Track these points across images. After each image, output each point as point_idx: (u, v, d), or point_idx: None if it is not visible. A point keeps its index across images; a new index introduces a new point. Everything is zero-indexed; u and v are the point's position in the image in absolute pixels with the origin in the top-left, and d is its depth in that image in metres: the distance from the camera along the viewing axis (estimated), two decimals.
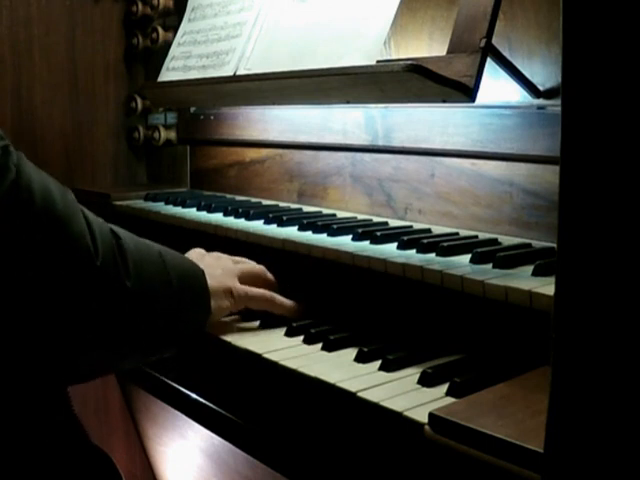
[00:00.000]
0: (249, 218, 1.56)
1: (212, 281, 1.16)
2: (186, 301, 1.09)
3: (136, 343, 1.02)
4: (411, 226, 1.43)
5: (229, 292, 1.19)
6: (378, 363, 1.03)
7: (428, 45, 1.46)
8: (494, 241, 1.27)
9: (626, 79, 0.62)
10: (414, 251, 1.22)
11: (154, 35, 2.06)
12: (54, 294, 0.85)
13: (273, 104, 1.65)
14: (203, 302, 1.14)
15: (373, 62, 1.22)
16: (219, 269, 1.23)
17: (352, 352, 1.08)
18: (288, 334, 1.19)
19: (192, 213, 1.70)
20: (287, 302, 1.25)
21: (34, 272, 0.84)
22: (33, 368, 0.89)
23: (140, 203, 1.91)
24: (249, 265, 1.30)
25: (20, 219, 0.83)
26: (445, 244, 1.20)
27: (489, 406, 0.84)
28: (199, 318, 1.14)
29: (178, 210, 1.76)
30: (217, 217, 1.63)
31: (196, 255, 1.28)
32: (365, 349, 1.07)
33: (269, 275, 1.30)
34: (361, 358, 1.06)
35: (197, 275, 1.14)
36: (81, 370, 0.97)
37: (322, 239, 1.34)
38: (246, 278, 1.25)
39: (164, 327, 1.05)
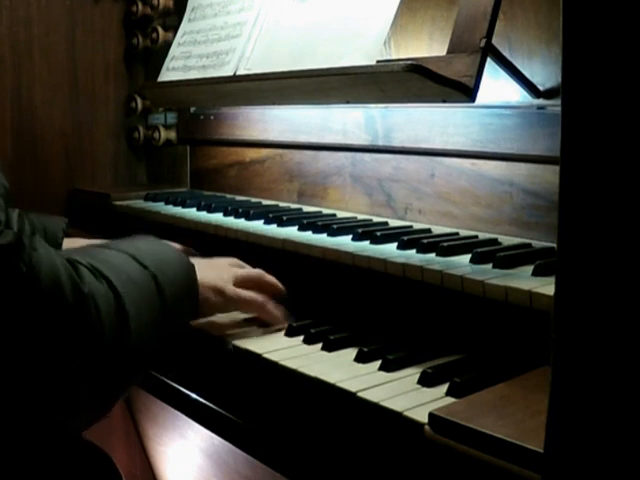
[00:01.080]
0: (249, 218, 1.56)
1: (203, 279, 1.17)
2: (179, 313, 1.11)
3: (136, 372, 1.05)
4: (411, 226, 1.43)
5: (220, 292, 1.19)
6: (378, 363, 1.03)
7: (428, 45, 1.46)
8: (494, 241, 1.27)
9: (626, 79, 0.62)
10: (414, 251, 1.22)
11: (154, 35, 2.06)
12: (63, 372, 0.89)
13: (273, 104, 1.65)
14: (191, 305, 1.15)
15: (373, 62, 1.22)
16: (214, 270, 1.23)
17: (352, 352, 1.08)
18: (288, 334, 1.19)
19: (192, 213, 1.70)
20: (275, 312, 1.23)
21: (43, 353, 0.86)
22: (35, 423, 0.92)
23: (140, 203, 1.91)
24: (244, 270, 1.29)
25: (28, 317, 0.84)
26: (445, 244, 1.20)
27: (489, 406, 0.84)
28: (185, 321, 1.16)
29: (178, 210, 1.76)
30: (217, 217, 1.63)
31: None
32: (365, 349, 1.07)
33: (268, 278, 1.28)
34: (361, 358, 1.06)
35: (189, 279, 1.14)
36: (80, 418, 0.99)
37: (322, 239, 1.34)
38: (241, 282, 1.24)
39: (155, 348, 1.06)
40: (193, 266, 1.15)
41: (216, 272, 1.22)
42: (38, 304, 0.84)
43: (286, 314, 1.24)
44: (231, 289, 1.20)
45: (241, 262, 1.32)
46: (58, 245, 1.45)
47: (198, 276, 1.15)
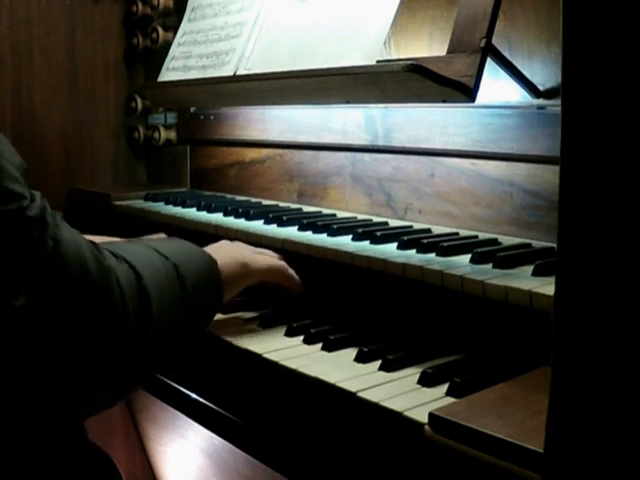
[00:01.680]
0: (249, 218, 1.56)
1: (226, 257, 1.20)
2: (201, 306, 1.12)
3: (153, 367, 1.07)
4: (411, 226, 1.43)
5: (243, 264, 1.23)
6: (378, 363, 1.03)
7: (428, 45, 1.46)
8: (494, 241, 1.27)
9: (626, 79, 0.62)
10: (414, 251, 1.22)
11: (154, 35, 2.06)
12: (88, 354, 0.89)
13: (273, 104, 1.65)
14: (214, 298, 1.16)
15: (373, 62, 1.22)
16: (237, 249, 1.28)
17: (352, 352, 1.08)
18: (288, 334, 1.19)
19: (192, 213, 1.70)
20: (296, 278, 1.30)
21: (72, 335, 0.87)
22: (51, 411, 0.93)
23: (140, 203, 1.91)
24: (268, 258, 1.32)
25: (57, 292, 0.85)
26: (445, 244, 1.20)
27: (489, 406, 0.84)
28: (212, 313, 1.18)
29: (178, 210, 1.76)
30: (217, 217, 1.63)
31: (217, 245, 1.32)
32: (365, 349, 1.07)
33: (290, 270, 1.32)
34: (361, 358, 1.06)
35: (211, 272, 1.16)
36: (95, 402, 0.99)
37: (322, 239, 1.34)
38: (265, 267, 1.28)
39: (178, 342, 1.07)
40: (215, 261, 1.17)
41: (240, 251, 1.27)
42: (66, 280, 0.86)
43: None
44: (253, 259, 1.26)
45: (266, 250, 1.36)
46: None
47: (222, 258, 1.19)
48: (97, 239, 1.48)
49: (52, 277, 0.85)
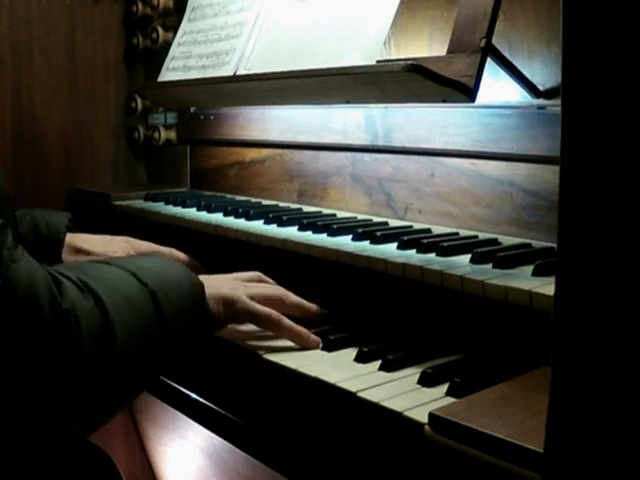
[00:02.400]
0: (249, 218, 1.56)
1: (213, 292, 1.12)
2: (180, 330, 1.06)
3: (130, 392, 1.03)
4: (411, 226, 1.43)
5: (230, 303, 1.13)
6: (378, 363, 1.03)
7: (428, 45, 1.46)
8: (494, 241, 1.27)
9: (626, 79, 0.62)
10: (414, 251, 1.22)
11: (154, 35, 2.06)
12: (40, 386, 0.87)
13: (273, 104, 1.65)
14: (198, 323, 1.09)
15: (373, 62, 1.22)
16: (228, 284, 1.17)
17: (352, 352, 1.08)
18: None
19: (192, 213, 1.70)
20: (296, 329, 1.14)
21: (19, 375, 0.85)
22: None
23: (140, 203, 1.91)
24: (263, 288, 1.21)
25: (2, 333, 0.83)
26: (445, 244, 1.20)
27: (489, 406, 0.84)
28: (194, 338, 1.10)
29: (178, 210, 1.76)
30: (217, 217, 1.63)
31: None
32: (365, 349, 1.07)
33: (292, 299, 1.20)
34: (361, 358, 1.06)
35: (196, 297, 1.09)
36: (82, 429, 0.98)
37: (322, 239, 1.34)
38: (259, 300, 1.16)
39: (154, 365, 1.03)
40: (202, 284, 1.10)
41: (229, 285, 1.17)
42: (13, 318, 0.83)
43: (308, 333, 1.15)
44: (243, 301, 1.13)
45: (264, 277, 1.26)
46: (60, 242, 1.44)
47: (207, 290, 1.10)
48: (98, 239, 1.49)
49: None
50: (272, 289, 1.21)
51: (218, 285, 1.14)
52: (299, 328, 1.14)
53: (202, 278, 1.13)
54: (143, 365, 0.99)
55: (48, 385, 0.87)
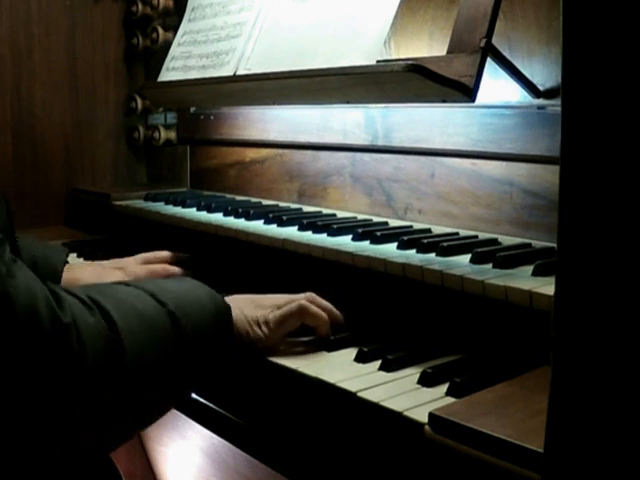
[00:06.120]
0: (249, 218, 1.56)
1: (243, 315, 1.11)
2: (201, 350, 1.04)
3: (149, 410, 1.00)
4: (411, 226, 1.43)
5: (264, 322, 1.12)
6: (378, 363, 1.03)
7: (428, 45, 1.46)
8: (494, 241, 1.27)
9: (626, 79, 0.62)
10: (414, 251, 1.22)
11: (154, 35, 2.06)
12: (42, 403, 0.85)
13: (273, 104, 1.65)
14: (221, 344, 1.07)
15: (373, 62, 1.22)
16: (254, 304, 1.15)
17: (352, 352, 1.08)
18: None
19: (192, 213, 1.70)
20: (321, 314, 1.14)
21: (18, 393, 0.84)
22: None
23: (140, 203, 1.91)
24: (283, 309, 1.16)
25: (3, 339, 0.81)
26: (445, 244, 1.20)
27: (489, 406, 0.84)
28: (217, 357, 1.08)
29: (178, 210, 1.75)
30: (217, 217, 1.63)
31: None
32: (365, 349, 1.07)
33: (312, 310, 1.15)
34: (361, 358, 1.06)
35: (219, 318, 1.07)
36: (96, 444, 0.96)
37: (322, 239, 1.34)
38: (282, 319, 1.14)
39: (173, 384, 1.01)
40: (228, 306, 1.08)
41: (254, 306, 1.15)
42: (12, 332, 0.82)
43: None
44: (271, 314, 1.13)
45: (317, 297, 1.20)
46: (58, 276, 1.41)
47: (235, 313, 1.09)
48: (90, 274, 1.45)
49: None
50: (297, 301, 1.16)
51: (244, 307, 1.13)
52: (331, 309, 1.16)
53: (231, 302, 1.11)
54: (160, 384, 0.97)
55: (50, 399, 0.85)
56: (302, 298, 1.16)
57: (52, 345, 0.84)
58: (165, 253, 1.52)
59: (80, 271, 1.46)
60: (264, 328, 1.11)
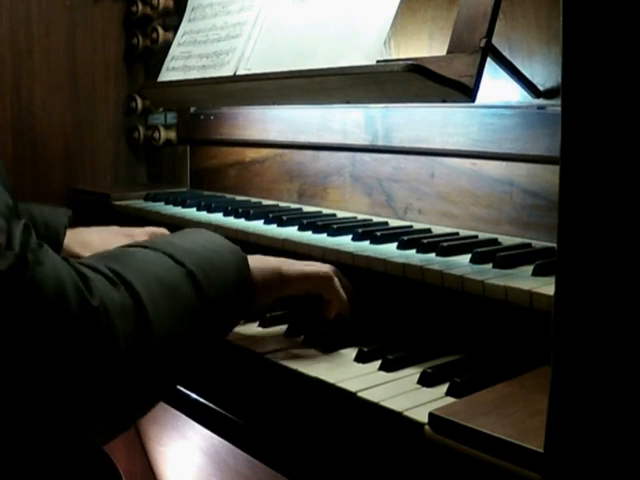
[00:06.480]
0: (249, 218, 1.56)
1: (258, 263, 1.11)
2: (223, 314, 1.03)
3: (172, 376, 1.00)
4: (411, 226, 1.43)
5: (279, 271, 1.12)
6: (378, 363, 1.03)
7: (428, 45, 1.46)
8: (494, 241, 1.27)
9: (626, 79, 0.62)
10: (414, 251, 1.22)
11: (154, 35, 2.06)
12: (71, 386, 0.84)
13: (273, 104, 1.65)
14: (243, 297, 1.07)
15: (373, 62, 1.22)
16: (270, 259, 1.16)
17: (352, 352, 1.08)
18: (288, 334, 1.19)
19: (192, 213, 1.70)
20: (342, 293, 1.14)
21: (51, 378, 0.83)
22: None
23: (140, 203, 1.91)
24: (309, 267, 1.18)
25: (31, 337, 0.81)
26: (445, 244, 1.20)
27: (489, 406, 0.84)
28: (237, 320, 1.09)
29: (178, 210, 1.76)
30: (217, 217, 1.63)
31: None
32: (365, 349, 1.07)
33: (336, 284, 1.16)
34: (361, 358, 1.06)
35: (240, 270, 1.06)
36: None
37: (322, 239, 1.34)
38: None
39: (191, 350, 0.99)
40: (244, 256, 1.08)
41: (273, 258, 1.16)
42: (43, 321, 0.81)
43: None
44: (287, 268, 1.13)
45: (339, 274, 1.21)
46: (59, 243, 1.43)
47: (251, 261, 1.08)
48: (96, 240, 1.47)
49: (28, 321, 0.80)
50: (316, 269, 1.17)
51: (264, 257, 1.14)
52: (344, 295, 1.14)
53: (250, 256, 1.11)
54: (184, 349, 0.96)
55: (83, 382, 0.85)
56: (329, 269, 1.17)
57: (83, 329, 0.83)
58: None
59: (88, 235, 1.48)
60: (281, 274, 1.11)
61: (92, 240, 1.46)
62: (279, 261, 1.15)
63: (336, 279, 1.16)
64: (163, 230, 1.54)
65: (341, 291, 1.16)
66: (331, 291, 1.15)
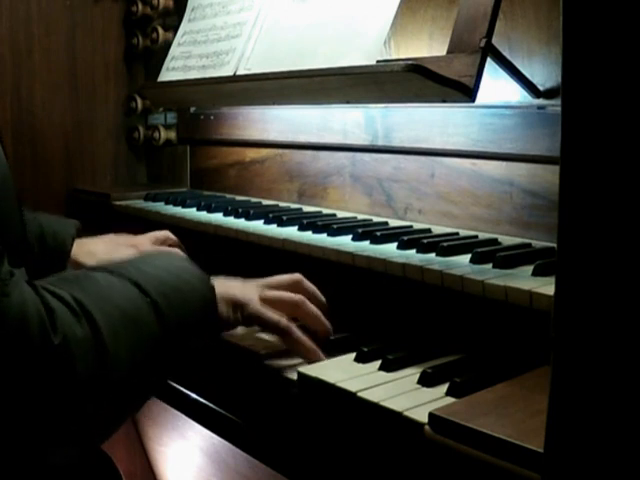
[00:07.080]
0: (249, 218, 1.56)
1: (223, 294, 1.09)
2: (184, 337, 1.02)
3: (132, 403, 1.01)
4: (411, 226, 1.43)
5: (240, 306, 1.10)
6: (378, 363, 1.03)
7: (428, 45, 1.46)
8: (494, 241, 1.27)
9: (626, 79, 0.62)
10: (414, 251, 1.22)
11: (154, 35, 2.06)
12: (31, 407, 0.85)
13: (273, 104, 1.65)
14: (206, 326, 1.06)
15: (373, 62, 1.22)
16: (239, 286, 1.14)
17: (352, 352, 1.08)
18: None
19: (192, 213, 1.70)
20: (307, 343, 1.09)
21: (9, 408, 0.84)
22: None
23: (140, 203, 1.91)
24: (278, 293, 1.16)
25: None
26: (445, 244, 1.20)
27: (489, 406, 0.84)
28: (200, 342, 1.07)
29: (178, 210, 1.76)
30: (217, 217, 1.63)
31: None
32: (365, 349, 1.07)
33: (308, 306, 1.14)
34: (361, 358, 1.06)
35: (205, 300, 1.06)
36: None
37: (322, 239, 1.34)
38: (271, 302, 1.12)
39: (156, 375, 1.00)
40: (212, 286, 1.07)
41: (243, 287, 1.13)
42: (1, 352, 0.82)
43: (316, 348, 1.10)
44: (253, 305, 1.10)
45: (305, 281, 1.20)
46: (66, 254, 1.42)
47: (218, 291, 1.07)
48: (102, 250, 1.47)
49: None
50: (288, 294, 1.15)
51: (231, 286, 1.11)
52: (308, 342, 1.09)
53: (217, 280, 1.09)
54: (144, 377, 0.97)
55: (42, 417, 0.85)
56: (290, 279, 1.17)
57: (42, 363, 0.84)
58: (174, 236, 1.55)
59: (94, 245, 1.48)
60: (244, 310, 1.09)
61: (97, 250, 1.46)
62: (242, 292, 1.11)
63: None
64: (166, 233, 1.54)
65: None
66: (306, 318, 1.14)
